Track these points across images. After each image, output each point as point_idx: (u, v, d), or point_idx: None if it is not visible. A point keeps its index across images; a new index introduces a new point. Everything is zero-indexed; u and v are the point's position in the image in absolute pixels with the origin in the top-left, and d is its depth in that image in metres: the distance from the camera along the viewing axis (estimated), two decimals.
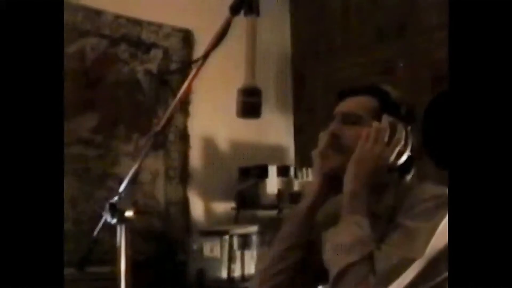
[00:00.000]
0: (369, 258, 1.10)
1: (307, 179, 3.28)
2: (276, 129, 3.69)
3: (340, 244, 1.12)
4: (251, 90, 1.14)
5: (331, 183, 1.29)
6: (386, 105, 1.26)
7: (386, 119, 1.22)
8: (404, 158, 1.24)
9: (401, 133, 1.22)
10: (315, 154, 1.32)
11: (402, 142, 1.22)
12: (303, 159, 3.66)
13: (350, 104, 1.29)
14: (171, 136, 3.16)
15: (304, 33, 3.82)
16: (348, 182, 1.19)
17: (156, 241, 2.99)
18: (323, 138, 1.32)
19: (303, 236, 1.29)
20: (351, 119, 1.27)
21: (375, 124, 1.22)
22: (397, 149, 1.22)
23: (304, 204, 1.32)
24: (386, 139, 1.21)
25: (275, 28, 3.71)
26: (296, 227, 1.30)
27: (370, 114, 1.26)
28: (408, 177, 1.28)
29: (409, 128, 1.25)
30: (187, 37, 3.26)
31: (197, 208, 3.24)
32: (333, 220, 1.30)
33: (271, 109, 3.59)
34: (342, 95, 1.33)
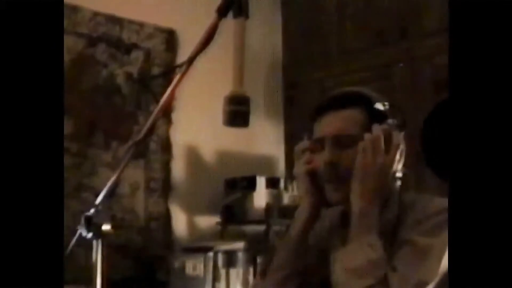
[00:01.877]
0: (385, 281, 1.11)
1: (298, 192, 3.28)
2: (265, 139, 3.69)
3: (353, 266, 1.13)
4: (239, 98, 1.15)
5: (321, 200, 1.30)
6: (373, 114, 1.26)
7: (377, 127, 1.23)
8: (401, 165, 1.26)
9: (397, 138, 1.24)
10: (300, 181, 1.32)
11: (401, 147, 1.24)
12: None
13: (337, 124, 1.27)
14: (153, 145, 3.16)
15: (297, 37, 3.85)
16: (355, 201, 1.20)
17: (135, 258, 2.97)
18: (304, 157, 1.30)
19: (299, 262, 1.30)
20: (345, 141, 1.25)
21: (367, 135, 1.22)
22: (398, 155, 1.23)
23: (295, 231, 1.32)
24: (383, 147, 1.22)
25: (265, 32, 3.73)
26: (291, 254, 1.30)
27: (361, 128, 1.25)
28: (408, 189, 1.30)
29: (402, 134, 1.27)
30: (170, 38, 3.26)
31: (179, 223, 3.24)
32: (330, 234, 1.32)
33: (260, 117, 3.60)
34: (321, 111, 1.31)
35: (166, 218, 3.18)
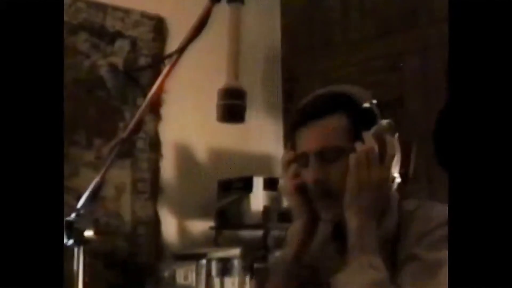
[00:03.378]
0: None
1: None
2: (263, 136, 3.70)
3: None
4: (234, 91, 1.15)
5: (315, 216, 1.29)
6: (360, 118, 1.21)
7: (369, 136, 1.19)
8: (397, 171, 1.24)
9: (392, 145, 1.21)
10: (289, 197, 1.30)
11: (397, 155, 1.22)
12: None
13: (320, 137, 1.23)
14: (140, 143, 3.16)
15: (297, 25, 3.85)
16: (351, 219, 1.19)
17: (120, 266, 2.97)
18: (290, 170, 1.28)
19: (295, 285, 1.30)
20: (331, 155, 1.22)
21: (358, 146, 1.19)
22: (393, 164, 1.21)
23: (289, 254, 1.31)
24: (377, 159, 1.18)
25: (263, 19, 3.73)
26: (285, 277, 1.30)
27: (348, 138, 1.21)
28: (407, 196, 1.29)
29: (396, 135, 1.23)
30: (159, 26, 3.26)
31: (169, 227, 3.24)
32: (323, 249, 1.33)
33: (258, 112, 3.60)
34: (301, 122, 1.26)
35: (155, 222, 3.18)
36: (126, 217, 3.08)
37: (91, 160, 2.93)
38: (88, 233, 1.05)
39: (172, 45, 3.13)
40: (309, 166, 1.24)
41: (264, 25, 3.75)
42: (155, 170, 3.21)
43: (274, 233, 3.13)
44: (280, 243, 3.34)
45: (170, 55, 1.16)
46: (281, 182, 1.35)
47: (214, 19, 1.16)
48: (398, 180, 1.24)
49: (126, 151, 3.06)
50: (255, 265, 3.02)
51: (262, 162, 3.66)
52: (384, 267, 1.14)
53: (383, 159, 1.19)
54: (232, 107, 1.15)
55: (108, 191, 2.98)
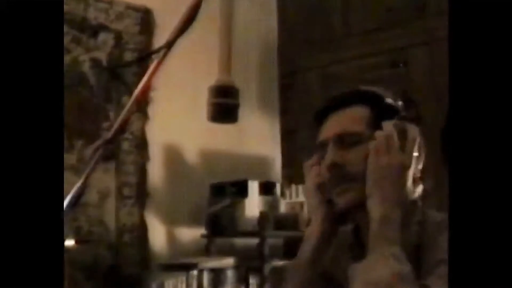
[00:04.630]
0: None
1: (296, 199, 3.29)
2: (258, 136, 3.70)
3: (376, 280, 1.13)
4: (226, 88, 1.16)
5: (334, 215, 1.32)
6: (382, 111, 1.28)
7: (388, 124, 1.26)
8: (422, 164, 1.27)
9: (413, 131, 1.27)
10: (310, 197, 1.35)
11: (418, 141, 1.26)
12: (291, 174, 3.68)
13: (341, 122, 1.30)
14: (126, 145, 3.16)
15: (295, 16, 3.86)
16: (375, 207, 1.21)
17: (104, 278, 2.97)
18: (313, 171, 1.35)
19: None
20: (350, 140, 1.28)
21: (378, 133, 1.25)
22: (415, 152, 1.25)
23: (305, 255, 1.33)
24: (397, 145, 1.24)
25: (257, 10, 3.74)
26: (304, 281, 1.31)
27: (369, 127, 1.28)
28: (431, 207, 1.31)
29: (418, 128, 1.28)
30: (145, 19, 3.27)
31: (157, 235, 3.24)
32: (340, 255, 1.34)
33: (252, 111, 3.61)
34: (324, 114, 1.34)
35: (142, 230, 3.18)
36: (110, 225, 3.08)
37: (73, 163, 2.93)
38: (69, 242, 1.06)
39: (159, 39, 3.13)
40: (327, 151, 1.29)
41: (259, 17, 3.76)
42: (142, 174, 3.22)
43: (271, 241, 3.14)
44: (277, 252, 3.35)
45: (157, 50, 1.16)
46: (305, 185, 1.39)
47: (205, 10, 1.17)
48: (420, 177, 1.27)
49: (111, 153, 3.06)
50: (250, 276, 3.03)
51: (257, 165, 3.67)
52: (407, 261, 1.15)
53: (404, 146, 1.25)
54: (224, 106, 1.15)
55: (91, 197, 2.98)
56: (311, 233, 1.34)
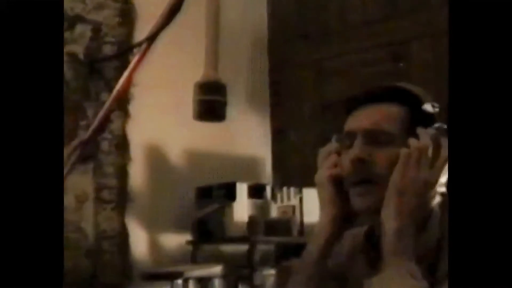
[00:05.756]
0: None
1: (288, 202, 3.30)
2: (247, 136, 3.71)
3: None
4: (212, 85, 1.16)
5: (345, 213, 1.32)
6: (418, 115, 1.28)
7: (425, 134, 1.25)
8: (445, 179, 1.27)
9: (446, 149, 1.25)
10: (323, 188, 1.34)
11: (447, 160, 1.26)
12: (283, 176, 3.68)
13: (372, 117, 1.29)
14: (105, 145, 3.16)
15: (286, 6, 3.86)
16: (391, 219, 1.22)
17: (82, 287, 2.97)
18: (329, 160, 1.33)
19: None
20: (381, 138, 1.27)
21: (413, 142, 1.24)
22: (444, 171, 1.25)
23: (315, 249, 1.33)
24: (429, 160, 1.24)
25: (246, 0, 3.74)
26: (310, 279, 1.32)
27: (402, 129, 1.27)
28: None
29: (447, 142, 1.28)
30: (126, 10, 3.26)
31: (139, 242, 3.24)
32: (351, 259, 1.35)
33: (241, 108, 3.61)
34: (355, 104, 1.34)
35: (122, 236, 3.18)
36: (89, 231, 3.07)
37: None
38: None
39: (141, 32, 3.13)
40: (354, 145, 1.28)
41: (248, 8, 3.76)
42: (123, 176, 3.21)
43: (261, 247, 3.14)
44: (268, 259, 3.36)
45: (139, 44, 1.17)
46: (317, 174, 1.37)
47: (190, 1, 1.17)
48: (442, 189, 1.27)
49: (89, 154, 3.06)
50: (240, 285, 3.03)
51: (246, 166, 3.67)
52: (423, 278, 1.16)
53: (435, 162, 1.24)
54: (211, 103, 1.16)
55: (68, 201, 2.98)
56: (319, 232, 1.34)
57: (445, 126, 1.28)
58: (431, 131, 1.26)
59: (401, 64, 3.27)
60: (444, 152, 1.25)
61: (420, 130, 1.25)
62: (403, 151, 1.23)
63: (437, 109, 1.30)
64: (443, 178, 1.27)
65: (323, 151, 1.36)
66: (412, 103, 1.29)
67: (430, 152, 1.24)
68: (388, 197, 1.23)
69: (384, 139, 1.27)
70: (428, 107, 1.29)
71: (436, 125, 1.27)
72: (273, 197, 3.31)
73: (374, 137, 1.27)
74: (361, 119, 1.30)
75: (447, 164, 1.26)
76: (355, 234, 1.39)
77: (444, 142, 1.26)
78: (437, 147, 1.25)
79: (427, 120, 1.28)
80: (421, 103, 1.30)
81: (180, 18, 1.17)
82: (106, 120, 1.18)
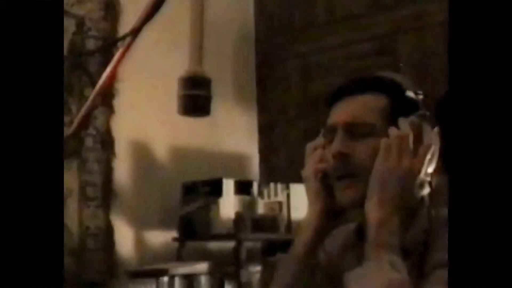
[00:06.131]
0: None
1: (275, 199, 3.30)
2: (233, 131, 3.71)
3: None
4: (197, 79, 1.16)
5: (332, 207, 1.33)
6: (400, 103, 1.28)
7: (405, 122, 1.25)
8: (432, 168, 1.27)
9: (429, 136, 1.26)
10: (309, 183, 1.35)
11: (432, 148, 1.26)
12: (270, 172, 3.69)
13: (353, 109, 1.29)
14: (89, 141, 3.15)
15: (273, 2, 3.86)
16: (373, 209, 1.22)
17: (66, 286, 2.96)
18: (315, 155, 1.34)
19: (305, 284, 1.32)
20: (361, 131, 1.28)
21: (392, 131, 1.24)
22: (428, 158, 1.26)
23: (300, 244, 1.34)
24: (411, 148, 1.24)
25: None
26: (295, 274, 1.32)
27: (383, 119, 1.27)
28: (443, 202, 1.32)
29: (436, 129, 1.29)
30: (109, 4, 3.25)
31: (124, 240, 3.24)
32: (343, 254, 1.36)
33: (227, 103, 3.61)
34: (336, 97, 1.34)
35: (107, 234, 3.18)
36: (73, 228, 3.07)
37: None
38: None
39: (125, 26, 3.12)
40: (334, 139, 1.29)
41: (234, 2, 3.76)
42: (107, 173, 3.21)
43: (248, 244, 3.15)
44: (255, 256, 3.36)
45: (123, 37, 1.16)
46: (304, 169, 1.37)
47: None
48: (428, 178, 1.27)
49: (72, 150, 3.05)
50: (226, 282, 3.03)
51: (232, 162, 3.67)
52: (405, 269, 1.17)
53: (417, 150, 1.25)
54: (196, 98, 1.16)
55: None
56: (306, 228, 1.34)
57: (428, 113, 1.28)
58: (412, 118, 1.26)
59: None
60: (428, 139, 1.26)
61: (400, 120, 1.25)
62: (383, 141, 1.24)
63: (420, 96, 1.30)
64: (430, 168, 1.28)
65: (309, 146, 1.37)
66: (394, 92, 1.29)
67: (411, 140, 1.24)
68: (370, 188, 1.24)
69: (365, 130, 1.27)
70: (410, 94, 1.29)
71: (419, 112, 1.27)
72: (260, 193, 3.31)
73: (354, 130, 1.28)
74: (341, 112, 1.31)
75: (432, 152, 1.26)
76: (346, 230, 1.39)
77: (427, 129, 1.26)
78: (419, 135, 1.25)
79: (411, 108, 1.27)
80: (401, 90, 1.29)
81: (164, 12, 1.17)
82: (90, 116, 1.19)
